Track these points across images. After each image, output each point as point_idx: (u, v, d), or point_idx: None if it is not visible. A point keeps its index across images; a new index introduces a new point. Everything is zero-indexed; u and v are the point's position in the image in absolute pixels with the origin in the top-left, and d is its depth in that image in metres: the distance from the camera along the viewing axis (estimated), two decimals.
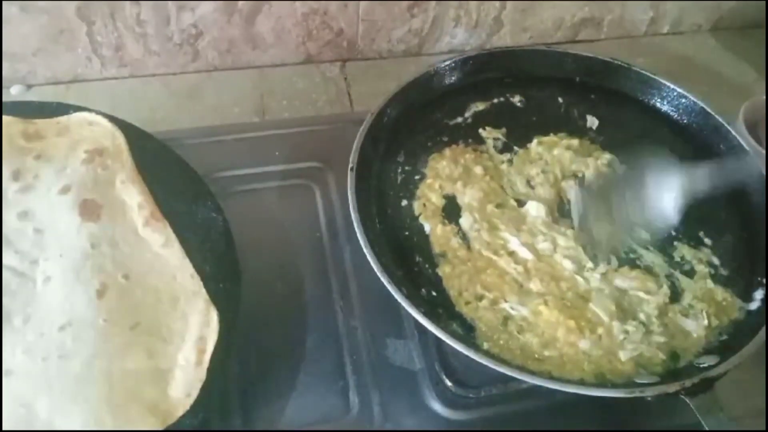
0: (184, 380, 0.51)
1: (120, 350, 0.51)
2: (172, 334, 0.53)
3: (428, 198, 0.67)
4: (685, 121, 0.75)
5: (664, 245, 0.64)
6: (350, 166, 0.63)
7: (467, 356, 0.52)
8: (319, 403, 0.57)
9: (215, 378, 0.51)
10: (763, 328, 0.54)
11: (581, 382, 0.53)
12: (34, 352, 0.50)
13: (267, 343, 0.60)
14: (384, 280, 0.55)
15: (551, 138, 0.73)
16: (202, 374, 0.51)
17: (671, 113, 0.76)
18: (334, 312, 0.63)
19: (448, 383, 0.58)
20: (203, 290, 0.55)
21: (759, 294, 0.60)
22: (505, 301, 0.58)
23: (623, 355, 0.55)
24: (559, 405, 0.57)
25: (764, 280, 0.60)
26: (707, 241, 0.65)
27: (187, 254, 0.57)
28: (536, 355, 0.55)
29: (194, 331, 0.53)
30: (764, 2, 0.97)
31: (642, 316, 0.58)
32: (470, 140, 0.72)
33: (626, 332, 0.56)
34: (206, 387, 0.51)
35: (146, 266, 0.56)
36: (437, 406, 0.57)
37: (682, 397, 0.50)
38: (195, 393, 0.50)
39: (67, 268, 0.55)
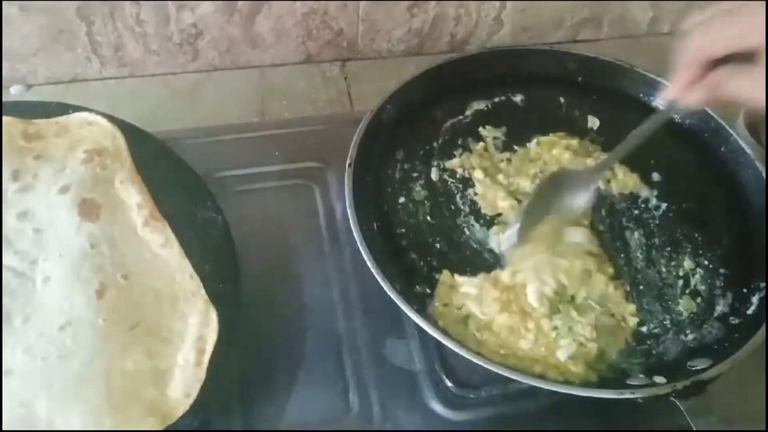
0: (184, 380, 0.51)
1: (119, 350, 0.51)
2: (172, 334, 0.53)
3: None
4: (685, 123, 0.74)
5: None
6: (348, 162, 0.63)
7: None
8: (319, 403, 0.57)
9: (215, 378, 0.51)
10: (760, 331, 0.54)
11: (570, 383, 0.53)
12: (33, 351, 0.50)
13: (267, 343, 0.60)
14: (378, 276, 0.55)
15: (550, 138, 0.73)
16: (201, 374, 0.51)
17: (672, 115, 0.75)
18: (334, 312, 0.63)
19: (448, 383, 0.58)
20: (202, 290, 0.55)
21: (755, 298, 0.60)
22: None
23: (561, 355, 0.55)
24: (558, 405, 0.57)
25: (762, 284, 0.60)
26: (705, 243, 0.65)
27: (186, 254, 0.57)
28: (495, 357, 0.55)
29: (193, 332, 0.53)
30: (764, 2, 0.96)
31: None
32: (470, 139, 0.72)
33: (555, 328, 0.56)
34: (206, 387, 0.51)
35: (145, 266, 0.56)
36: (437, 406, 0.57)
37: (673, 399, 0.50)
38: (194, 393, 0.50)
39: (66, 267, 0.55)
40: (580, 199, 0.63)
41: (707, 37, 0.48)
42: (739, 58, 0.46)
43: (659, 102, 0.53)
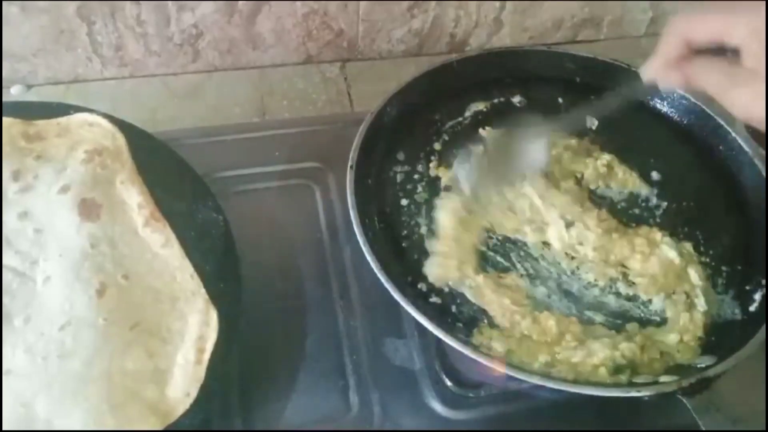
0: (184, 380, 0.51)
1: (119, 350, 0.51)
2: (172, 333, 0.53)
3: None
4: (685, 122, 0.75)
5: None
6: (349, 164, 0.63)
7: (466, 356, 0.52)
8: (319, 403, 0.57)
9: (215, 378, 0.51)
10: (762, 329, 0.54)
11: (575, 381, 0.53)
12: (34, 351, 0.51)
13: (267, 343, 0.60)
14: (382, 278, 0.55)
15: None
16: (201, 374, 0.51)
17: (671, 114, 0.76)
18: (334, 312, 0.63)
19: (448, 383, 0.58)
20: (203, 290, 0.55)
21: (758, 295, 0.60)
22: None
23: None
24: (558, 405, 0.57)
25: (763, 281, 0.60)
26: (706, 241, 0.65)
27: (187, 254, 0.57)
28: None
29: (194, 331, 0.53)
30: (764, 2, 0.96)
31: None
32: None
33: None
34: (206, 387, 0.51)
35: (146, 266, 0.56)
36: (437, 406, 0.57)
37: (679, 397, 0.50)
38: (194, 393, 0.50)
39: (66, 267, 0.55)
40: (537, 158, 0.64)
41: (690, 23, 0.48)
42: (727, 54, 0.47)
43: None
